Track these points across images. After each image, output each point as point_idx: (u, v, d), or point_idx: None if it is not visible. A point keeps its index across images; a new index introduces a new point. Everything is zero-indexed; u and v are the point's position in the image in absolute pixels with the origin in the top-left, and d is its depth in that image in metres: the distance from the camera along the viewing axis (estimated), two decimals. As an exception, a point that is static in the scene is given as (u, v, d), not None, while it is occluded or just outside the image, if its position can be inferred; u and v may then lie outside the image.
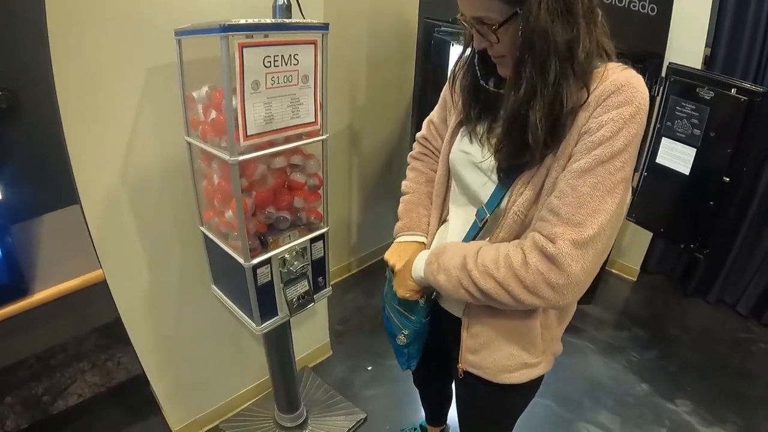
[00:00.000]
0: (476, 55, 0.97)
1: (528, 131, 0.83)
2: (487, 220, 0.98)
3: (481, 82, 0.97)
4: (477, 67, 0.97)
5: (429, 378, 1.57)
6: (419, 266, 1.05)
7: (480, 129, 1.00)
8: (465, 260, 0.92)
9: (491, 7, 0.81)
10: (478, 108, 1.01)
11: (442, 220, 1.18)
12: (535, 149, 0.84)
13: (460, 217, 1.08)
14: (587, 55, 0.81)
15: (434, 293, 1.14)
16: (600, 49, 0.85)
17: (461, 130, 1.06)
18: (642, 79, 0.82)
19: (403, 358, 1.25)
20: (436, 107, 1.23)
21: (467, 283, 0.91)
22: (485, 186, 0.99)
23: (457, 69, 1.04)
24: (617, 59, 0.87)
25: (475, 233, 1.02)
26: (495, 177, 0.96)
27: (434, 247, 1.04)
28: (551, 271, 0.81)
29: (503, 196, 0.94)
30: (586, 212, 0.79)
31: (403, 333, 1.19)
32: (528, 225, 0.92)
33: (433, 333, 1.22)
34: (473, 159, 1.01)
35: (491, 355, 1.05)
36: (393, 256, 1.16)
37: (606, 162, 0.79)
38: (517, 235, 0.94)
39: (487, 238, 0.98)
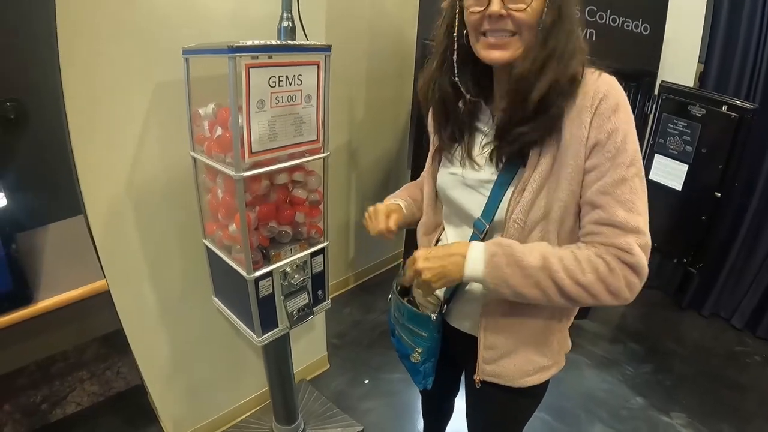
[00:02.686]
0: (455, 65, 0.98)
1: (530, 97, 0.88)
2: (487, 231, 1.00)
3: (460, 86, 0.99)
4: (455, 68, 0.98)
5: (434, 392, 1.57)
6: (477, 257, 0.92)
7: (458, 151, 1.05)
8: (547, 261, 0.88)
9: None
10: (449, 129, 1.05)
11: (437, 241, 1.18)
12: (527, 122, 0.90)
13: (458, 236, 1.10)
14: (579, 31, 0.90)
15: (444, 308, 1.14)
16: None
17: (443, 156, 1.11)
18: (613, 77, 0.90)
19: (419, 376, 1.22)
20: None
21: (547, 284, 0.88)
22: (477, 200, 1.02)
23: (427, 86, 1.05)
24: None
25: None
26: (485, 190, 1.00)
27: (490, 242, 0.94)
28: (633, 275, 0.86)
29: (497, 206, 0.98)
30: (637, 216, 0.85)
31: (417, 351, 1.17)
32: (529, 230, 0.94)
33: (454, 346, 1.21)
34: (462, 179, 1.04)
35: (510, 362, 1.07)
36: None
37: (629, 166, 0.84)
38: (521, 242, 0.94)
39: None
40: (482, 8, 0.87)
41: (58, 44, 1.22)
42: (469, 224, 1.05)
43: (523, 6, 0.85)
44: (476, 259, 0.92)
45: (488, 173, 1.00)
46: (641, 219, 0.85)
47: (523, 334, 1.05)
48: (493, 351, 1.08)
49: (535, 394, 1.15)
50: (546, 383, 1.13)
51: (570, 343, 1.16)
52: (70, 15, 1.21)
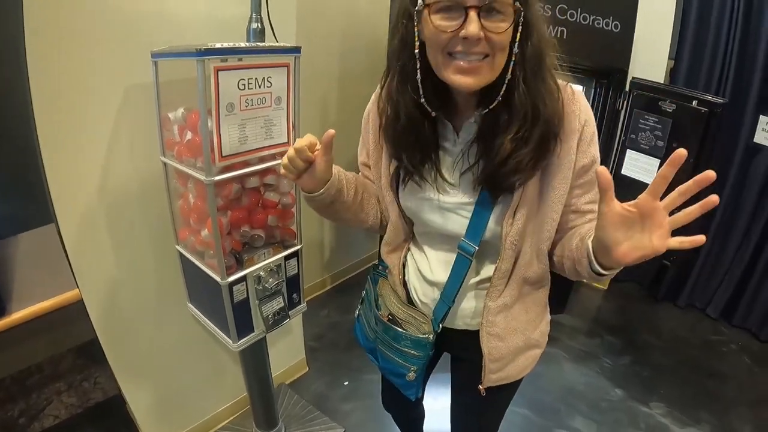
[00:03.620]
0: (419, 85, 0.89)
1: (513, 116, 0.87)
2: (475, 253, 1.00)
3: (426, 106, 0.91)
4: (420, 88, 0.89)
5: (398, 402, 1.53)
6: None
7: (428, 174, 0.99)
8: None
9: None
10: (419, 153, 0.97)
11: (403, 259, 1.17)
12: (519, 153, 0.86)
13: (441, 255, 1.08)
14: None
15: (440, 326, 1.11)
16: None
17: (408, 180, 1.02)
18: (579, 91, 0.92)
19: (412, 390, 1.20)
20: (361, 149, 1.25)
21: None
22: (458, 222, 1.00)
23: (387, 110, 0.99)
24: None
25: (466, 267, 1.02)
26: (465, 212, 0.99)
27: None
28: None
29: (484, 228, 0.97)
30: None
31: (412, 370, 1.15)
32: (521, 249, 0.99)
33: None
34: (437, 203, 1.00)
35: (514, 363, 1.12)
36: None
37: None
38: (515, 261, 1.00)
39: (487, 267, 1.05)
40: (455, 28, 0.77)
41: (26, 48, 1.19)
42: (452, 245, 1.04)
43: (503, 27, 0.78)
44: None
45: (466, 195, 0.98)
46: None
47: (520, 336, 1.09)
48: (499, 362, 1.10)
49: (517, 385, 1.21)
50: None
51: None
52: (38, 18, 1.18)
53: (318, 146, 0.98)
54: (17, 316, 1.55)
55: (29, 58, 1.21)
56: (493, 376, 1.11)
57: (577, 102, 0.90)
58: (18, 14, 1.16)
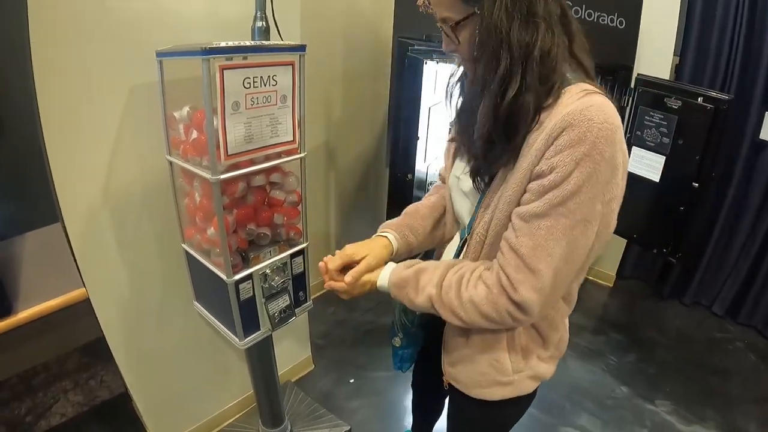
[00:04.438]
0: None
1: (474, 125, 0.89)
2: (466, 239, 1.02)
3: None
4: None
5: (426, 387, 1.59)
6: (384, 277, 1.05)
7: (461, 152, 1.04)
8: (432, 304, 0.96)
9: (453, 6, 0.85)
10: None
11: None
12: (486, 150, 0.89)
13: (454, 241, 1.13)
14: (546, 56, 0.81)
15: None
16: (574, 61, 0.87)
17: (458, 155, 1.07)
18: (604, 104, 0.79)
19: (396, 359, 1.30)
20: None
21: (436, 313, 0.97)
22: (467, 208, 1.03)
23: (449, 87, 1.05)
24: (590, 77, 0.88)
25: (457, 252, 1.06)
26: (473, 198, 1.00)
27: (396, 277, 1.02)
28: (518, 311, 0.86)
29: (474, 218, 0.99)
30: (542, 256, 0.81)
31: (398, 336, 1.26)
32: (489, 245, 0.95)
33: (435, 344, 1.22)
34: (458, 182, 1.04)
35: (465, 369, 1.09)
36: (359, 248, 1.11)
37: (558, 205, 0.79)
38: (483, 256, 0.97)
39: (464, 257, 1.04)
40: None
41: (31, 49, 1.20)
42: (460, 227, 1.07)
43: (454, 45, 0.90)
44: (383, 278, 1.05)
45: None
46: (547, 261, 0.81)
47: (474, 343, 1.05)
48: (452, 354, 1.11)
49: (499, 408, 1.11)
50: (514, 402, 1.10)
51: (541, 371, 1.09)
52: (43, 19, 1.18)
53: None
54: (24, 315, 1.55)
55: (34, 59, 1.21)
56: (450, 369, 1.13)
57: (577, 106, 0.79)
58: (23, 14, 1.16)
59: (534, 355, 1.06)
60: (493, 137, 0.86)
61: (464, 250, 1.04)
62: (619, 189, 0.82)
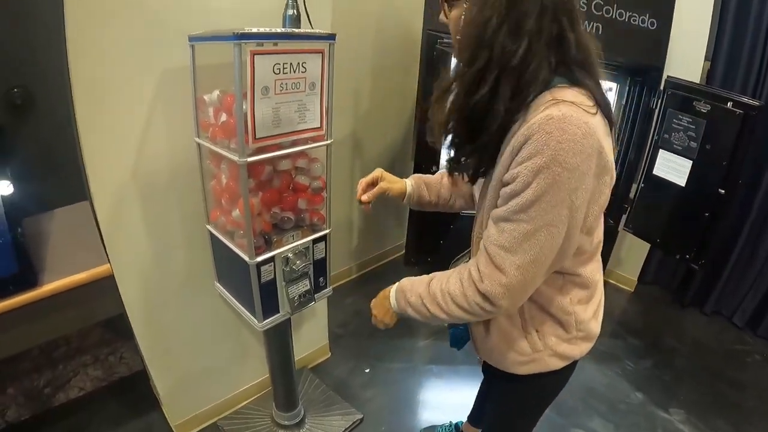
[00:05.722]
0: None
1: (441, 115, 0.94)
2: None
3: None
4: None
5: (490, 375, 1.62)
6: (392, 299, 1.13)
7: None
8: (422, 300, 1.02)
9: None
10: None
11: None
12: (455, 145, 0.96)
13: None
14: (525, 71, 0.83)
15: None
16: (563, 69, 0.87)
17: None
18: (566, 115, 0.79)
19: (451, 337, 1.32)
20: None
21: (428, 313, 1.01)
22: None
23: None
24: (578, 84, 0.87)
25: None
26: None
27: (400, 284, 1.11)
28: (485, 302, 0.91)
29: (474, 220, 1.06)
30: (505, 255, 0.87)
31: None
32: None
33: None
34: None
35: (491, 353, 1.16)
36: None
37: (520, 212, 0.84)
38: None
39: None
40: None
41: (66, 31, 1.22)
42: None
43: (445, 19, 0.96)
44: (391, 297, 1.12)
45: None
46: (511, 260, 0.86)
47: (494, 335, 1.13)
48: (478, 342, 1.20)
49: (525, 384, 1.17)
50: (537, 377, 1.15)
51: (565, 351, 1.12)
52: (78, 1, 1.21)
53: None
54: (49, 287, 1.58)
55: (69, 42, 1.24)
56: (480, 346, 1.19)
57: (540, 118, 0.80)
58: (59, -1, 1.19)
59: (551, 336, 1.10)
60: (458, 131, 0.92)
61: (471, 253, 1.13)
62: (590, 193, 0.85)
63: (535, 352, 1.11)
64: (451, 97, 0.92)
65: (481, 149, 0.92)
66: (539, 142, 0.79)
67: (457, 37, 0.90)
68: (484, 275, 0.89)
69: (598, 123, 0.84)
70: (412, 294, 1.04)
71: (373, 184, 1.30)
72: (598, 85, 0.91)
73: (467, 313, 0.95)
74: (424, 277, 1.06)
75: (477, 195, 1.06)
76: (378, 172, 1.31)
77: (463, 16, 0.88)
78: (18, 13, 1.80)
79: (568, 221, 0.85)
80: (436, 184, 1.35)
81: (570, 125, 0.78)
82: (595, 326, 1.15)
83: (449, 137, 0.97)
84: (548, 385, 1.23)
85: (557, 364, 1.13)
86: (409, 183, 1.34)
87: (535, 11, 0.81)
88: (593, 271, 1.07)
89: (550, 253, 0.87)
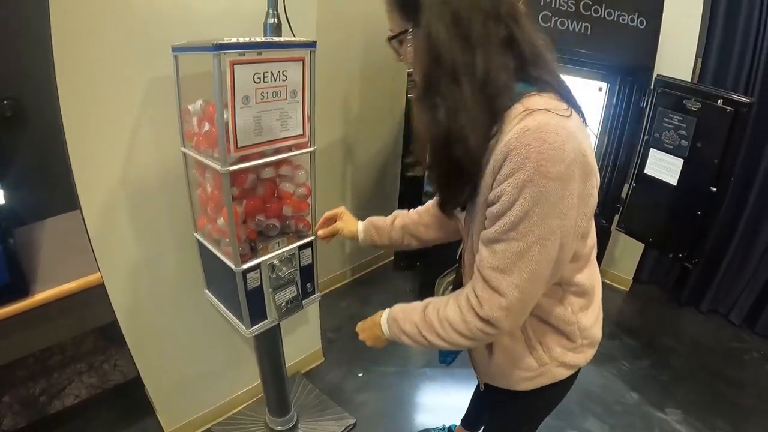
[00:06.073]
0: None
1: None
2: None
3: None
4: None
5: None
6: (384, 327, 1.13)
7: None
8: (418, 329, 1.01)
9: (393, 21, 0.91)
10: None
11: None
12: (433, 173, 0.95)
13: None
14: (486, 81, 0.82)
15: None
16: (521, 73, 0.86)
17: None
18: (542, 123, 0.78)
19: (440, 352, 1.32)
20: None
21: (425, 342, 1.00)
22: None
23: None
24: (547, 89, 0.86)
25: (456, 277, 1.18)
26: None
27: (391, 311, 1.11)
28: (487, 327, 0.90)
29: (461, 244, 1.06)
30: (501, 277, 0.85)
31: None
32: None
33: None
34: None
35: (494, 375, 1.16)
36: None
37: (509, 230, 0.82)
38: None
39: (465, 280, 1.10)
40: None
41: (52, 42, 1.23)
42: None
43: (398, 56, 0.96)
44: (383, 325, 1.12)
45: None
46: (508, 281, 0.85)
47: (498, 357, 1.11)
48: (480, 368, 1.20)
49: (530, 398, 1.16)
50: (544, 389, 1.13)
51: (572, 360, 1.11)
52: (64, 13, 1.22)
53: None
54: (41, 296, 1.60)
55: (55, 53, 1.25)
56: (482, 369, 1.18)
57: (515, 132, 0.79)
58: (45, 11, 1.20)
59: (556, 347, 1.08)
60: (432, 157, 0.91)
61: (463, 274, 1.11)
62: (577, 198, 0.82)
63: (542, 366, 1.09)
64: (420, 125, 0.92)
65: (465, 175, 0.89)
66: (519, 156, 0.77)
67: (413, 69, 0.90)
68: (482, 300, 0.88)
69: (575, 125, 0.82)
70: (407, 323, 1.03)
71: (334, 219, 1.43)
72: (560, 81, 0.90)
73: (468, 339, 0.94)
74: (417, 305, 1.04)
75: (462, 219, 1.04)
76: (339, 209, 1.43)
77: (412, 47, 0.87)
78: (5, 25, 1.81)
79: (560, 231, 0.83)
80: (386, 228, 1.37)
81: (548, 134, 0.77)
82: (598, 331, 1.14)
83: (434, 175, 0.96)
84: (554, 395, 1.22)
85: (564, 374, 1.12)
86: (360, 228, 1.39)
87: (480, 17, 0.80)
88: (590, 276, 1.05)
89: (547, 267, 0.86)
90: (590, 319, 1.09)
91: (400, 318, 1.06)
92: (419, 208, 1.36)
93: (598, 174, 0.88)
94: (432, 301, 1.02)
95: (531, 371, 1.09)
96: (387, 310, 1.12)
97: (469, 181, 0.88)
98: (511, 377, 1.12)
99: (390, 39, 0.92)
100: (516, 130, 0.78)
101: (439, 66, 0.82)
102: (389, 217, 1.39)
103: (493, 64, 0.82)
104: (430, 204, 1.32)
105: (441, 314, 0.96)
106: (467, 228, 1.00)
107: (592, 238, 1.01)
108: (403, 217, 1.37)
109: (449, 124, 0.84)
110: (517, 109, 0.82)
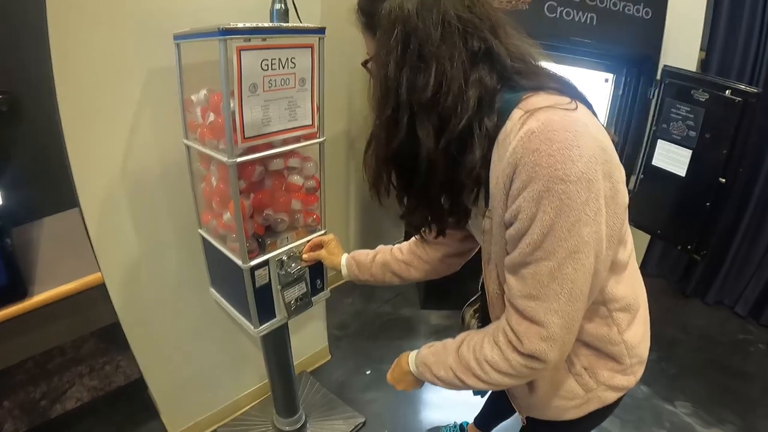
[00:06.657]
0: None
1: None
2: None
3: None
4: None
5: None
6: (412, 358, 1.07)
7: None
8: (454, 373, 0.92)
9: (366, 43, 0.91)
10: None
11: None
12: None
13: None
14: (454, 103, 0.76)
15: None
16: (507, 83, 0.79)
17: None
18: (547, 121, 0.69)
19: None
20: None
21: (463, 385, 0.93)
22: None
23: None
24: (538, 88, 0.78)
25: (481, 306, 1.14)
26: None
27: (419, 355, 1.04)
28: (532, 362, 0.80)
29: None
30: (536, 305, 0.76)
31: None
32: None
33: None
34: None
35: (537, 408, 1.07)
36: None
37: (535, 251, 0.73)
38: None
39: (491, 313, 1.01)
40: None
41: (49, 34, 1.19)
42: None
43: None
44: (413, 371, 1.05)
45: None
46: (544, 307, 0.75)
47: (540, 389, 1.02)
48: (520, 401, 1.11)
49: (578, 424, 1.06)
50: (591, 415, 1.04)
51: (620, 383, 1.00)
52: (60, 4, 1.18)
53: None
54: (40, 298, 1.56)
55: (52, 46, 1.21)
56: (522, 404, 1.12)
57: (520, 138, 0.70)
58: (41, 2, 1.16)
59: (603, 370, 0.98)
60: (397, 184, 0.90)
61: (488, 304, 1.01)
62: (604, 198, 0.72)
63: (589, 392, 0.99)
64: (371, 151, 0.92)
65: (424, 197, 0.87)
66: (529, 165, 0.68)
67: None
68: (520, 334, 0.78)
69: (584, 117, 0.73)
70: (440, 367, 0.95)
71: (320, 246, 1.45)
72: (558, 78, 0.82)
73: (513, 378, 0.85)
74: (449, 344, 0.96)
75: (481, 242, 0.94)
76: (328, 237, 1.45)
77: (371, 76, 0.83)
78: (1, 18, 1.76)
79: (592, 239, 0.72)
80: (366, 264, 1.33)
81: (556, 132, 0.68)
82: (646, 348, 1.03)
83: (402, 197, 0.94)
84: (601, 416, 1.10)
85: (613, 397, 1.02)
86: (344, 263, 1.38)
87: (437, 35, 0.74)
88: (633, 285, 0.95)
89: (585, 283, 0.75)
90: (638, 335, 0.98)
91: (431, 362, 0.98)
92: (402, 244, 1.29)
93: (622, 168, 0.78)
94: (465, 340, 0.92)
95: (577, 399, 1.00)
96: (413, 354, 1.05)
97: (432, 203, 0.88)
98: (557, 408, 1.02)
99: (363, 64, 0.87)
100: (520, 137, 0.70)
101: (388, 94, 0.80)
102: (372, 252, 1.33)
103: (453, 85, 0.76)
104: (412, 242, 1.26)
105: (479, 355, 0.87)
106: (487, 256, 0.91)
107: (630, 242, 0.91)
108: (384, 253, 1.31)
109: (399, 144, 0.83)
110: (516, 114, 0.74)
